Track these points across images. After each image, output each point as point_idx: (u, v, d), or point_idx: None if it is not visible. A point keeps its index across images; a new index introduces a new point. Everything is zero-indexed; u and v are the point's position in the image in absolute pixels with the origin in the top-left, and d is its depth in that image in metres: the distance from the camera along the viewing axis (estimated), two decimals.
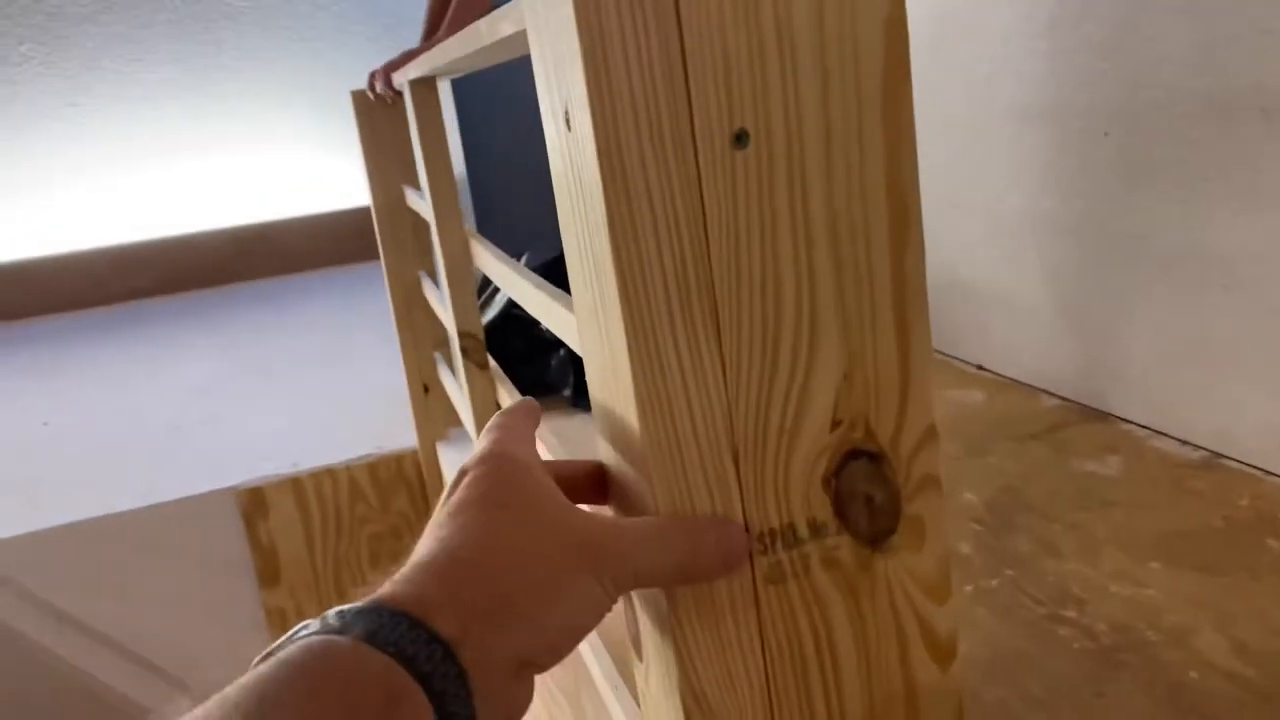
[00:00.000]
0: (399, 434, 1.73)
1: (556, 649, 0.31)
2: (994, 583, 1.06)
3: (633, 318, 0.27)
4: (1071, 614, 0.99)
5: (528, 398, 0.43)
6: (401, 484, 1.74)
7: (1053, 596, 1.02)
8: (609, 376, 0.30)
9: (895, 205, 0.28)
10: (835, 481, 0.28)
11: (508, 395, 0.96)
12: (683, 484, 0.27)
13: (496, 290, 1.84)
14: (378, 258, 1.60)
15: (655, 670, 0.30)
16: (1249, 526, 1.09)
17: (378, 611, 0.32)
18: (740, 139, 0.27)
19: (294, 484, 1.68)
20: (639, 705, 0.34)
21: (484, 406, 1.02)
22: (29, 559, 1.59)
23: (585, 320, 0.32)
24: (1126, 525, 1.13)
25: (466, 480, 0.35)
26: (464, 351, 1.00)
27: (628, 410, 0.28)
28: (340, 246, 3.19)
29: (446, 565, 0.32)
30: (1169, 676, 0.87)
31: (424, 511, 1.74)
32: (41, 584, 1.61)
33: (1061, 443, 1.36)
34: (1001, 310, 1.58)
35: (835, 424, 0.28)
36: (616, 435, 0.30)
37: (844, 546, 0.28)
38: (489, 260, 0.85)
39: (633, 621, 0.33)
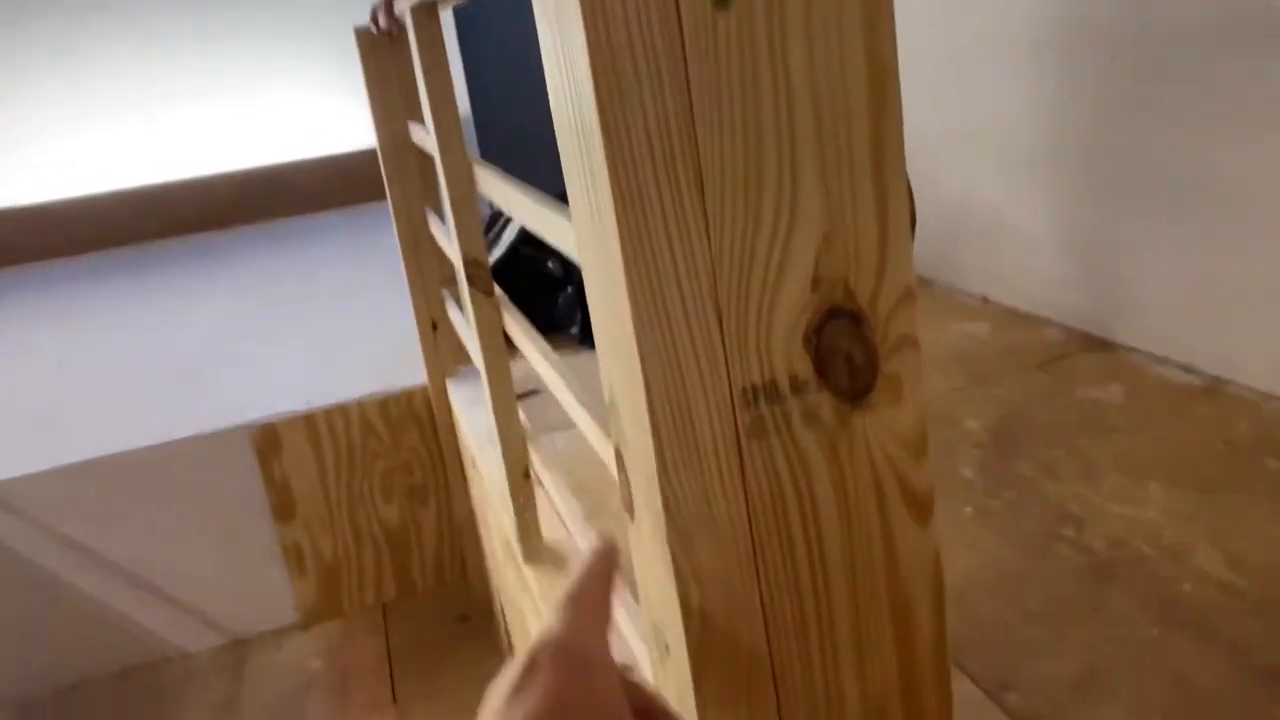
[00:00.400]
0: (409, 371, 1.75)
1: None
2: (995, 504, 1.08)
3: (619, 181, 0.28)
4: (1070, 533, 1.00)
5: (607, 542, 0.36)
6: (412, 420, 1.76)
7: (1052, 517, 1.03)
8: (600, 256, 0.31)
9: (874, 69, 0.29)
10: (816, 340, 0.29)
11: (514, 323, 0.97)
12: (669, 340, 0.28)
13: (503, 229, 1.84)
14: (384, 198, 1.61)
15: (645, 524, 0.32)
16: (1249, 448, 1.10)
17: None
18: (722, 0, 0.27)
19: (306, 421, 1.71)
20: (635, 564, 0.35)
21: (490, 335, 1.03)
22: (48, 495, 1.62)
23: (579, 210, 0.33)
24: (1127, 449, 1.14)
25: (541, 696, 0.31)
26: (470, 279, 1.00)
27: (615, 276, 0.29)
28: (347, 187, 3.19)
29: None
30: (1164, 590, 0.89)
31: (435, 447, 1.76)
32: (61, 519, 1.64)
33: (1065, 371, 1.37)
34: (1009, 241, 1.58)
35: (816, 282, 0.29)
36: (606, 306, 0.31)
37: (824, 404, 0.29)
38: (492, 182, 0.86)
39: (625, 484, 0.34)
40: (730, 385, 0.29)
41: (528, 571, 1.06)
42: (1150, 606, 0.87)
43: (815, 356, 0.29)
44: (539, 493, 1.13)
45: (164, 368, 1.98)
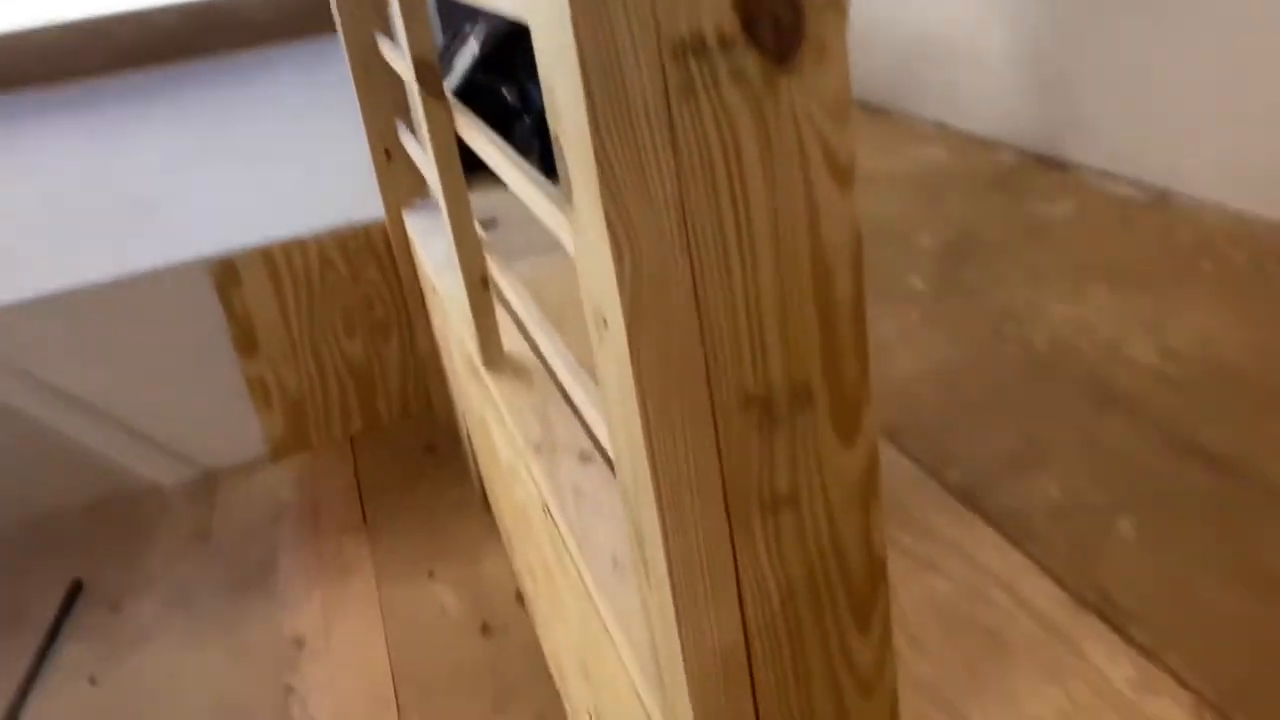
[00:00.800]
0: (366, 206, 1.73)
1: None
2: (942, 309, 1.11)
3: None
4: (1012, 330, 1.04)
5: None
6: (370, 254, 1.76)
7: (997, 318, 1.07)
8: None
9: None
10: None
11: (466, 124, 0.97)
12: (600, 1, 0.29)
13: (455, 56, 1.80)
14: (333, 30, 1.56)
15: (584, 203, 0.33)
16: (1188, 252, 1.13)
17: None
18: None
19: (265, 256, 1.70)
20: (575, 256, 0.37)
21: (443, 140, 1.02)
22: (10, 329, 1.62)
23: None
24: (1073, 258, 1.17)
25: None
26: (420, 81, 0.99)
27: None
28: (295, 20, 3.09)
29: None
30: (1098, 377, 0.93)
31: (394, 281, 1.76)
32: (25, 354, 1.64)
33: (1018, 190, 1.39)
34: (966, 67, 1.57)
35: None
36: None
37: (751, 63, 0.31)
38: None
39: (564, 175, 0.35)
40: (660, 42, 0.30)
41: (489, 379, 1.08)
42: (1084, 392, 0.92)
43: (743, 14, 0.30)
44: (498, 309, 1.14)
45: (116, 204, 1.95)
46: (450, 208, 1.02)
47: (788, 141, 0.31)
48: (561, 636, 1.02)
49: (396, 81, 1.54)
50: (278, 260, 1.72)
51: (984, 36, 1.52)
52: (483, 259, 1.05)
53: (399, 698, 1.24)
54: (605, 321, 0.34)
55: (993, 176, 1.44)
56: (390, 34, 1.49)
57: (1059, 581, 0.71)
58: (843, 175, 0.32)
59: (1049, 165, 1.44)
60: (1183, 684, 0.61)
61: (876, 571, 0.38)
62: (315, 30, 3.12)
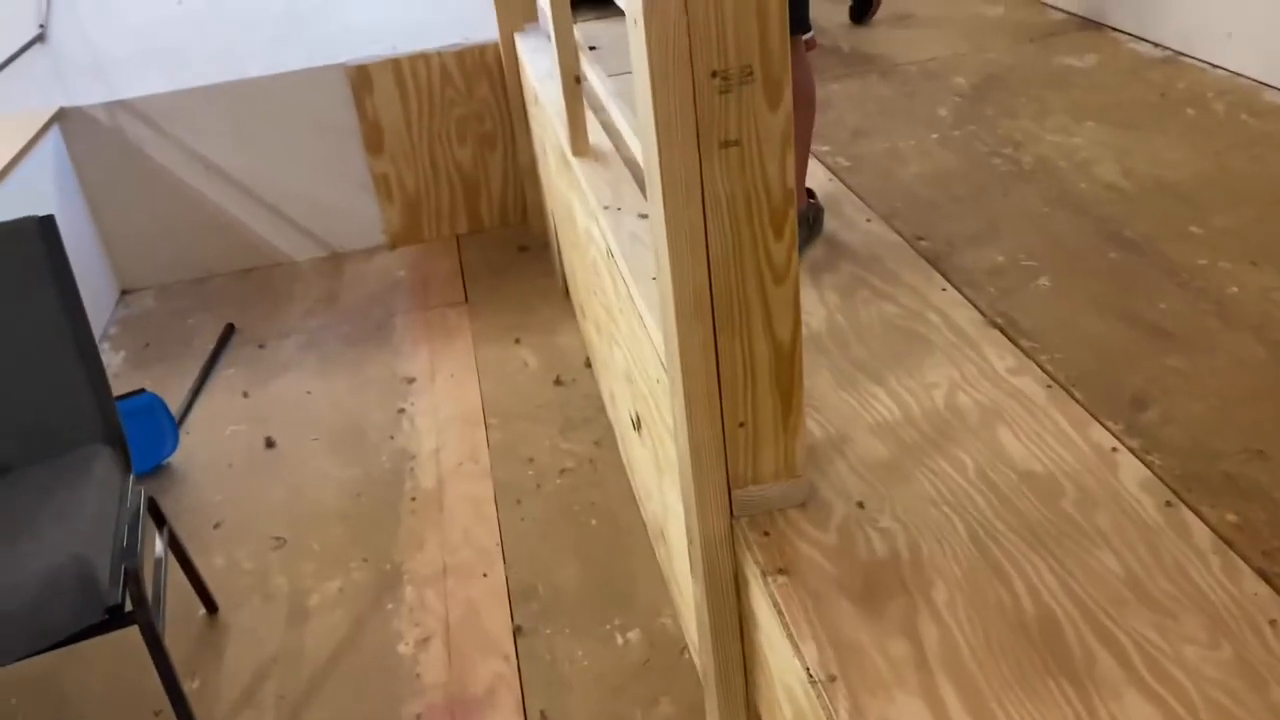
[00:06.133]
0: (482, 28, 1.97)
1: None
2: (956, 133, 1.31)
3: None
4: (1008, 151, 1.24)
5: None
6: (484, 72, 2.00)
7: (998, 141, 1.27)
8: None
9: None
10: None
11: None
12: None
13: None
14: None
15: None
16: (1179, 101, 1.31)
17: None
18: None
19: (394, 65, 1.96)
20: None
21: None
22: (179, 112, 1.91)
23: None
24: (1080, 99, 1.36)
25: None
26: None
27: None
28: None
29: None
30: (1064, 187, 1.14)
31: (503, 98, 2.00)
32: (190, 135, 1.94)
33: (1053, 44, 1.56)
34: None
35: None
36: None
37: None
38: None
39: None
40: None
41: (575, 163, 1.33)
42: (1047, 196, 1.13)
43: None
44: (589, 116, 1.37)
45: (267, 10, 2.21)
46: (555, 13, 1.26)
47: None
48: (616, 362, 1.29)
49: None
50: (405, 70, 1.98)
51: None
52: (577, 59, 1.29)
53: (487, 420, 1.54)
54: (635, 22, 0.59)
55: (1034, 32, 1.61)
56: None
57: (981, 311, 0.93)
58: None
59: (1088, 26, 1.60)
60: (1045, 372, 0.84)
61: (787, 197, 0.63)
62: None
